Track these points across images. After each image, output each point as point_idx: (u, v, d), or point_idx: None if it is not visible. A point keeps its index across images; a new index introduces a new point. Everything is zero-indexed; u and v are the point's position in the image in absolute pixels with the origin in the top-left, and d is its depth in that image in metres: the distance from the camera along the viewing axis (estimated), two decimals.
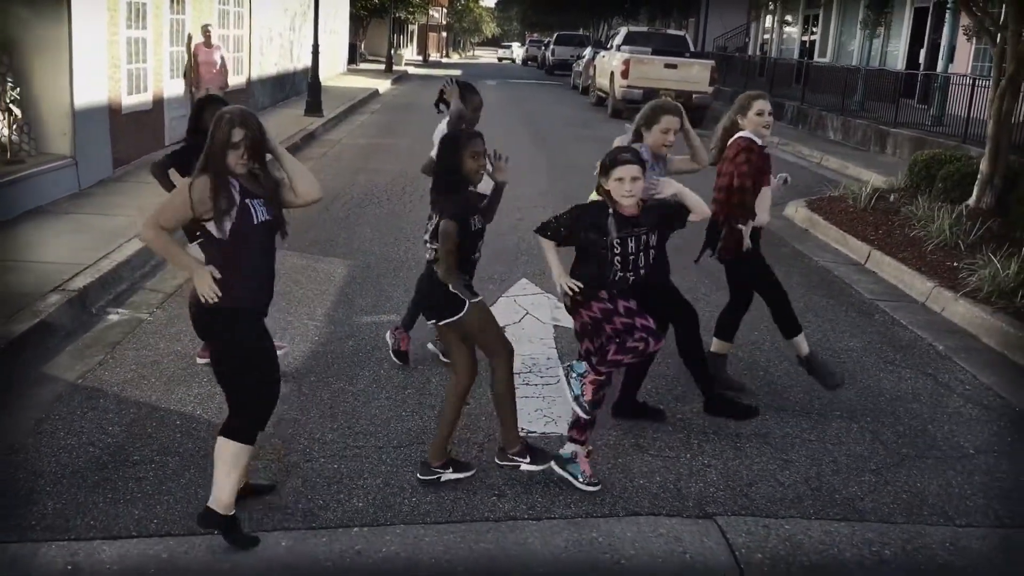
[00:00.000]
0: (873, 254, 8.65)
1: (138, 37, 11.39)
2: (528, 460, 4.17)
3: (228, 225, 3.48)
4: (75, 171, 9.41)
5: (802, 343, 5.16)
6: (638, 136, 4.98)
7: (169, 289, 6.88)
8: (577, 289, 4.03)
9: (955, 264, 7.86)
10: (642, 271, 4.13)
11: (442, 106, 5.28)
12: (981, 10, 9.69)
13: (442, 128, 5.33)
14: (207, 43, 12.91)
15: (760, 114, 5.07)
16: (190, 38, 13.18)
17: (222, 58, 13.15)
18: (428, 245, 4.10)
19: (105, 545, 3.61)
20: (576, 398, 4.11)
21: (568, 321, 6.48)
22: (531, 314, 6.49)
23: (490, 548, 3.68)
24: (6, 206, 8.07)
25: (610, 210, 4.06)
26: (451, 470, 4.18)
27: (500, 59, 75.73)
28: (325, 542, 3.68)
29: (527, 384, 5.34)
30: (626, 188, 3.98)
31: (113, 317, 6.27)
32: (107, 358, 5.50)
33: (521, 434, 4.70)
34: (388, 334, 5.66)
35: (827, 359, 5.48)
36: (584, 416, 4.12)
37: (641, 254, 4.10)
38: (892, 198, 10.58)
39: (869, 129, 17.10)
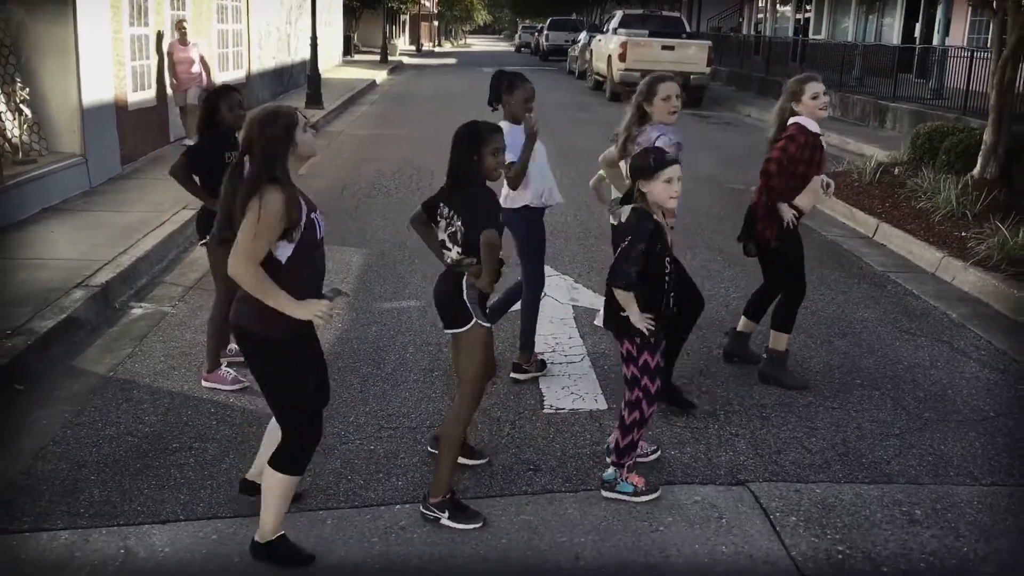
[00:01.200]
0: (881, 227, 8.74)
1: (141, 34, 11.43)
2: (447, 515, 3.73)
3: (294, 244, 3.19)
4: (85, 169, 9.46)
5: (783, 340, 5.20)
6: (642, 114, 4.81)
7: (188, 282, 6.96)
8: (654, 327, 3.77)
9: (963, 234, 7.95)
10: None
11: (497, 105, 5.04)
12: None
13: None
14: (182, 40, 11.92)
15: (815, 97, 4.97)
16: (160, 36, 12.05)
17: (201, 56, 12.08)
18: (451, 250, 3.75)
19: (155, 529, 3.69)
20: (633, 493, 3.91)
21: (585, 300, 6.60)
22: (549, 295, 6.56)
23: (530, 520, 3.76)
24: (21, 205, 8.13)
25: (656, 218, 3.78)
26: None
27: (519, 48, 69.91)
28: (369, 519, 3.77)
29: (551, 363, 5.41)
30: (675, 189, 3.72)
31: (137, 311, 6.35)
32: (135, 351, 5.58)
33: (549, 411, 4.81)
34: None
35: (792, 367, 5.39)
36: (652, 496, 3.92)
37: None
38: (896, 171, 10.66)
39: (868, 104, 17.17)
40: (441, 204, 3.77)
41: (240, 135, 3.39)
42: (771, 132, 5.16)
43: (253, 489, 3.75)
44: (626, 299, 3.76)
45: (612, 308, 3.88)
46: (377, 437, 4.51)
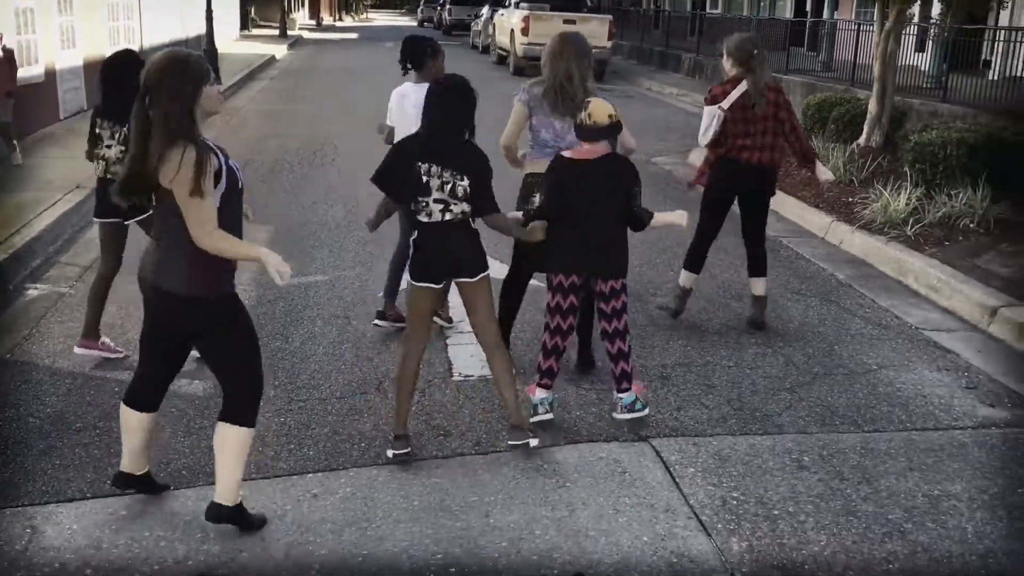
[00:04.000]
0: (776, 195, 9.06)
1: (25, 7, 10.95)
2: (535, 437, 4.12)
3: (220, 194, 3.20)
4: None
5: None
6: None
7: (85, 262, 6.78)
8: None
9: (850, 200, 8.34)
10: None
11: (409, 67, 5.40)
12: None
13: (405, 90, 5.36)
14: None
15: None
16: None
17: (5, 50, 8.99)
18: (458, 205, 3.94)
19: (62, 508, 3.66)
20: (645, 407, 4.40)
21: (494, 271, 6.68)
22: None
23: (441, 482, 3.86)
24: None
25: None
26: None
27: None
28: (280, 489, 3.80)
29: (462, 332, 5.50)
30: None
31: (32, 292, 6.18)
32: (33, 332, 5.45)
33: (458, 379, 4.91)
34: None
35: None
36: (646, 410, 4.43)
37: None
38: None
39: None
40: (422, 165, 3.92)
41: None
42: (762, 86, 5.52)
43: (131, 482, 3.66)
44: (660, 217, 4.40)
45: (617, 250, 4.33)
46: (287, 410, 4.53)
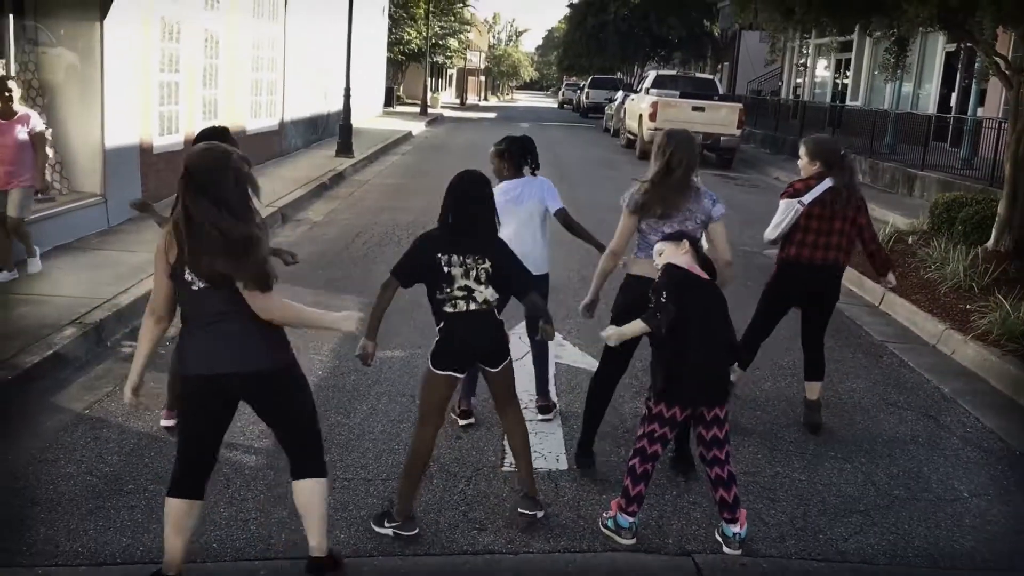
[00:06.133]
0: (887, 296, 8.60)
1: (171, 80, 11.76)
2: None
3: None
4: (104, 209, 9.70)
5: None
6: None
7: None
8: None
9: (967, 307, 7.80)
10: None
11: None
12: (996, 54, 9.67)
13: (507, 187, 5.55)
14: (3, 112, 7.27)
15: None
16: None
17: (32, 135, 7.35)
18: (484, 291, 3.95)
19: (90, 572, 3.70)
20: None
21: (569, 358, 6.56)
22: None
23: None
24: (37, 242, 8.31)
25: None
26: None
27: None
28: (302, 572, 3.73)
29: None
30: None
31: (127, 350, 6.44)
32: (115, 390, 5.65)
33: (509, 469, 4.77)
34: None
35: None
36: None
37: None
38: (911, 240, 10.52)
39: (897, 172, 17.03)
40: (442, 256, 3.93)
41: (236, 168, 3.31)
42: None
43: (323, 568, 3.62)
44: None
45: (723, 377, 4.09)
46: (331, 488, 4.47)
